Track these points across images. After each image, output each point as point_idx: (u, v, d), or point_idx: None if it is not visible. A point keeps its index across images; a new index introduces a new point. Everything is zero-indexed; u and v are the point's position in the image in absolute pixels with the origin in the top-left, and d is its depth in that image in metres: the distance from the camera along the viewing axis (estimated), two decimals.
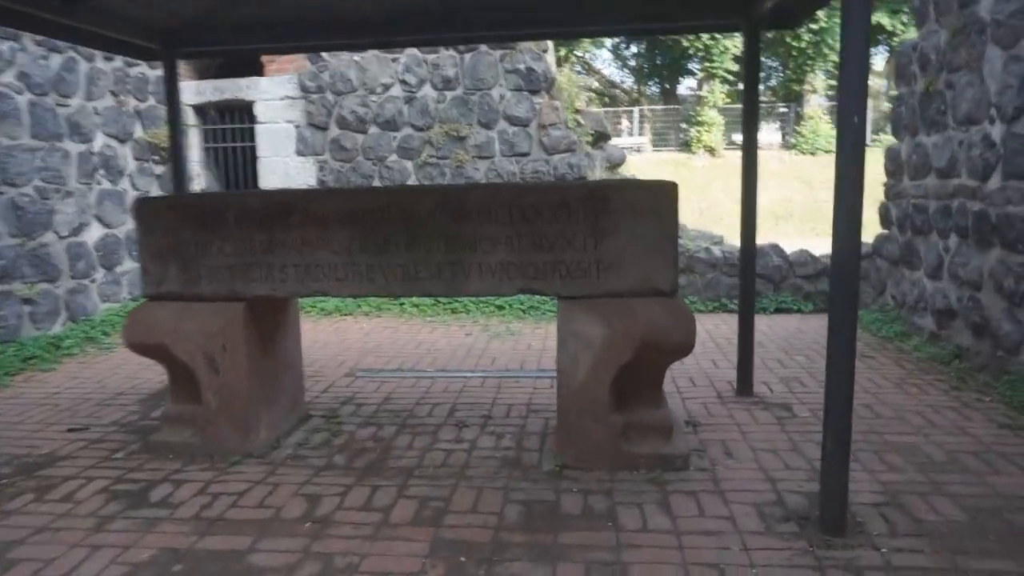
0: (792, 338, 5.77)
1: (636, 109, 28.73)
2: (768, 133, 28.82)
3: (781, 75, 31.28)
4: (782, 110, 28.13)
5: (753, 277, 4.34)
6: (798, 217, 19.32)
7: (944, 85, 4.98)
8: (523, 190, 3.16)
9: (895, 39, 25.92)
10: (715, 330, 6.16)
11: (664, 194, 3.11)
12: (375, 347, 5.87)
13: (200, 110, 7.72)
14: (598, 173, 7.52)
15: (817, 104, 26.83)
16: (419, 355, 5.57)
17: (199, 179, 7.74)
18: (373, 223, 3.28)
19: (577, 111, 7.48)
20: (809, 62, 26.90)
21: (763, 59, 31.63)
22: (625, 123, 28.81)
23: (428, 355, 5.57)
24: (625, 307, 3.13)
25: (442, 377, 4.93)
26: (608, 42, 30.39)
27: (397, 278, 3.30)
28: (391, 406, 4.34)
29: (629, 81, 33.68)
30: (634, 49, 31.28)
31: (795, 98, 27.47)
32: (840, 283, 2.51)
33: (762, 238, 5.11)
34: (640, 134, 27.43)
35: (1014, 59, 4.15)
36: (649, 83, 32.64)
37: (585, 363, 3.17)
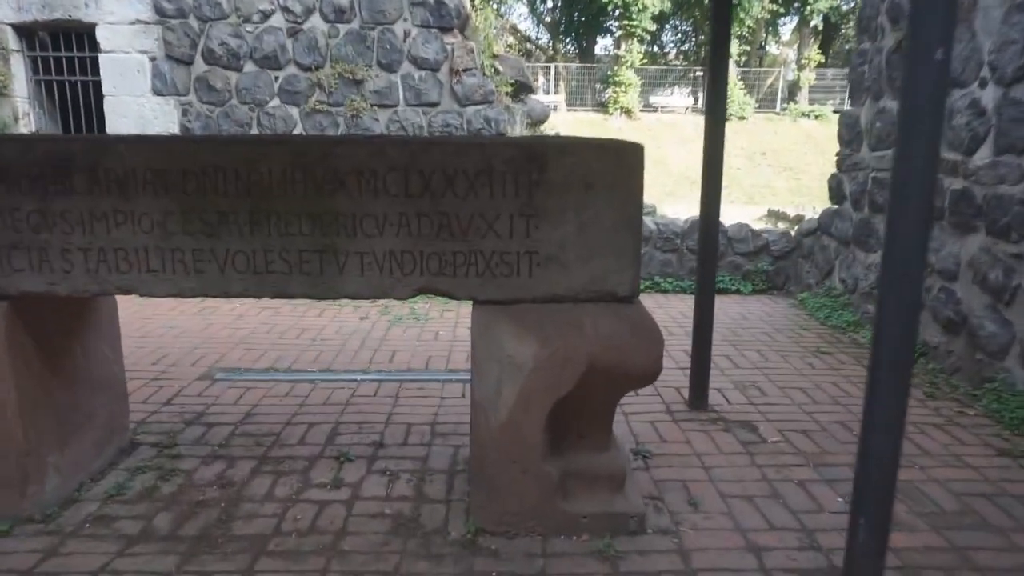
0: (737, 327, 5.08)
1: (552, 66, 27.80)
2: (681, 97, 28.65)
3: (694, 39, 31.08)
4: (698, 73, 27.92)
5: (714, 261, 3.55)
6: None
7: None
8: (425, 147, 2.18)
9: (809, 6, 26.04)
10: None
11: (625, 160, 2.20)
12: (246, 336, 4.77)
13: (24, 31, 6.16)
14: (518, 130, 6.57)
15: (733, 70, 26.71)
16: (300, 348, 4.52)
17: (27, 119, 6.23)
18: (200, 190, 2.21)
19: (495, 56, 6.46)
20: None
21: (675, 23, 31.40)
22: (541, 80, 27.88)
23: (312, 348, 4.52)
24: (568, 318, 2.24)
25: (326, 381, 3.92)
26: None
27: (238, 271, 2.27)
28: (253, 426, 3.31)
29: (545, 38, 32.67)
30: (550, 4, 30.20)
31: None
32: (897, 342, 1.69)
33: (676, 203, 4.29)
34: (556, 92, 26.61)
35: (1020, 8, 3.46)
36: (565, 40, 31.74)
37: (510, 395, 2.26)
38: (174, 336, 4.74)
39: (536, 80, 27.16)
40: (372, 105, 6.09)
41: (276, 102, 6.13)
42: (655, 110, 25.55)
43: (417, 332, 4.91)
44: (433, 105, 6.15)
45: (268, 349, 4.50)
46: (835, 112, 23.42)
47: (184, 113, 6.14)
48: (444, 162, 2.17)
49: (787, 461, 2.95)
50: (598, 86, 26.17)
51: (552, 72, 27.36)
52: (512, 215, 2.20)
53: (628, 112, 23.60)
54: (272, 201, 2.21)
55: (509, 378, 2.25)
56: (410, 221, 2.21)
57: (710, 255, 3.51)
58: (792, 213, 13.70)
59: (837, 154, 5.43)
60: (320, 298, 2.29)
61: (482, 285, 2.26)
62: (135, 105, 6.12)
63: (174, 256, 2.26)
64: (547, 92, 26.52)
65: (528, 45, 31.82)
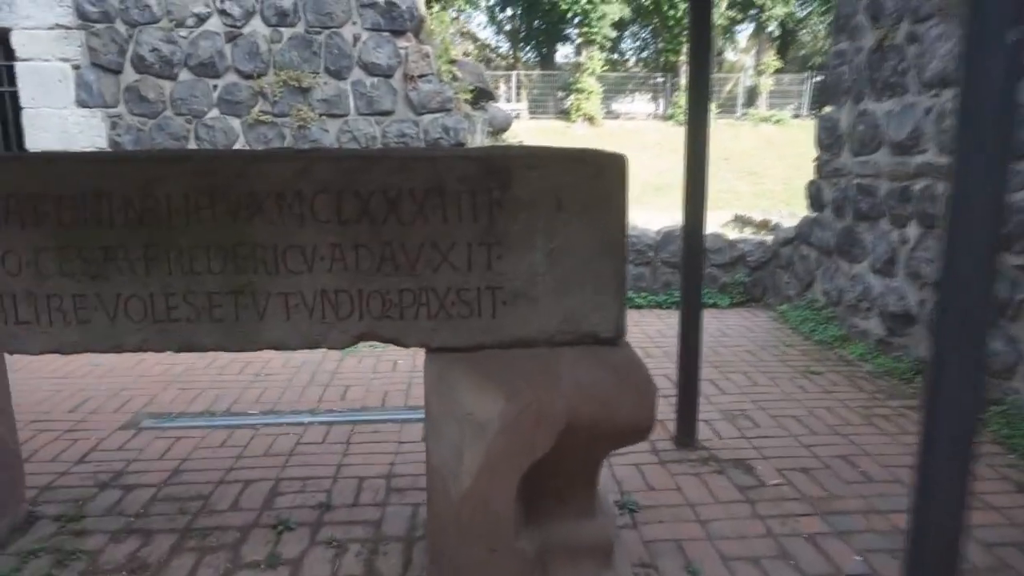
0: (719, 345, 4.75)
1: (513, 74, 27.60)
2: (642, 104, 28.67)
3: (654, 46, 31.14)
4: (659, 80, 27.94)
5: (699, 276, 3.19)
6: (678, 190, 19.06)
7: (905, 39, 4.03)
8: (362, 163, 1.78)
9: (766, 13, 26.26)
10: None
11: (604, 173, 1.83)
12: (182, 373, 4.28)
13: None
14: (479, 139, 6.20)
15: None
16: (242, 385, 4.05)
17: None
18: (79, 221, 1.78)
19: (452, 61, 6.08)
20: (685, 32, 26.71)
21: (635, 29, 31.45)
22: (503, 88, 27.66)
23: (255, 384, 4.06)
24: (540, 366, 1.85)
25: (269, 425, 3.47)
26: (483, 2, 28.93)
27: (133, 319, 1.83)
28: (179, 487, 2.85)
29: (505, 46, 32.46)
30: (510, 12, 30.01)
31: (670, 68, 27.32)
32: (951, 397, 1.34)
33: (643, 211, 3.96)
34: (517, 100, 26.40)
35: None
36: (525, 48, 31.57)
37: (473, 460, 1.86)
38: (99, 375, 4.24)
39: (497, 88, 26.90)
40: (320, 115, 5.66)
41: (215, 113, 5.66)
42: (617, 117, 25.48)
43: (373, 363, 4.47)
44: (387, 114, 5.74)
45: (206, 388, 4.02)
46: (794, 117, 23.62)
47: (113, 126, 5.62)
48: (385, 181, 1.77)
49: (792, 509, 2.60)
50: (560, 94, 26.01)
51: (513, 80, 27.16)
52: (470, 243, 1.81)
53: (591, 119, 23.47)
54: (173, 232, 1.79)
55: (471, 440, 1.85)
56: (345, 253, 1.81)
57: (695, 271, 3.16)
58: (758, 218, 13.55)
59: (816, 159, 5.17)
60: (237, 349, 1.87)
61: (435, 329, 1.86)
62: (57, 118, 5.58)
63: (50, 303, 1.81)
64: (509, 100, 26.32)
65: (488, 53, 31.59)
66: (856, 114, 4.56)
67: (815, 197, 5.23)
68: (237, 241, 1.79)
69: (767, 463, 3.00)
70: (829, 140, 4.96)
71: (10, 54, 5.54)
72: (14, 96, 5.62)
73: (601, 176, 1.80)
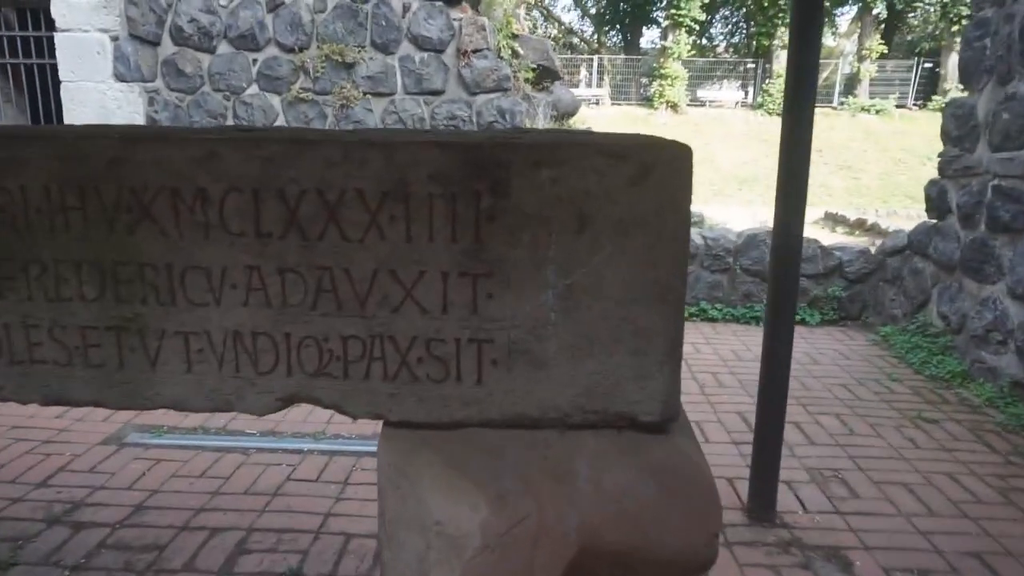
0: (806, 375, 3.99)
1: (595, 58, 26.68)
2: (730, 91, 27.19)
3: (746, 30, 29.47)
4: (749, 66, 26.39)
5: (794, 295, 2.48)
6: (764, 183, 17.89)
7: None
8: (291, 148, 1.20)
9: None
10: (694, 355, 4.33)
11: (655, 176, 1.18)
12: None
13: None
14: (541, 124, 5.56)
15: (783, 61, 25.18)
16: None
17: None
18: None
19: (514, 36, 5.45)
20: (780, 15, 25.12)
21: (726, 12, 29.81)
22: (584, 73, 26.83)
23: None
24: (545, 459, 1.24)
25: (263, 450, 3.00)
26: None
27: None
28: (136, 530, 2.39)
29: (589, 30, 31.53)
30: None
31: (763, 54, 25.75)
32: None
33: (725, 204, 3.22)
34: (599, 86, 25.52)
35: None
36: (610, 32, 30.53)
37: None
38: None
39: (578, 74, 26.07)
40: (365, 93, 5.16)
41: (254, 89, 5.25)
42: (703, 104, 24.21)
43: None
44: (436, 93, 5.19)
45: None
46: (898, 107, 21.76)
47: (151, 102, 5.30)
48: (322, 177, 1.19)
49: None
50: (643, 80, 24.95)
51: (595, 65, 26.26)
52: (446, 274, 1.21)
53: (674, 106, 22.38)
54: (33, 241, 1.27)
55: (439, 559, 1.26)
56: (266, 280, 1.24)
57: (787, 287, 2.44)
58: (852, 216, 12.36)
59: (940, 155, 4.28)
60: (122, 407, 1.33)
61: (394, 395, 1.27)
62: (96, 92, 5.30)
63: None
64: (590, 85, 25.48)
65: (571, 37, 30.78)
66: (1001, 99, 3.68)
67: (937, 200, 4.34)
68: (117, 257, 1.25)
69: (870, 556, 2.27)
70: (960, 131, 4.06)
71: (50, 24, 5.28)
72: (54, 69, 5.37)
73: (648, 179, 1.16)
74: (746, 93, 26.04)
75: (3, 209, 1.25)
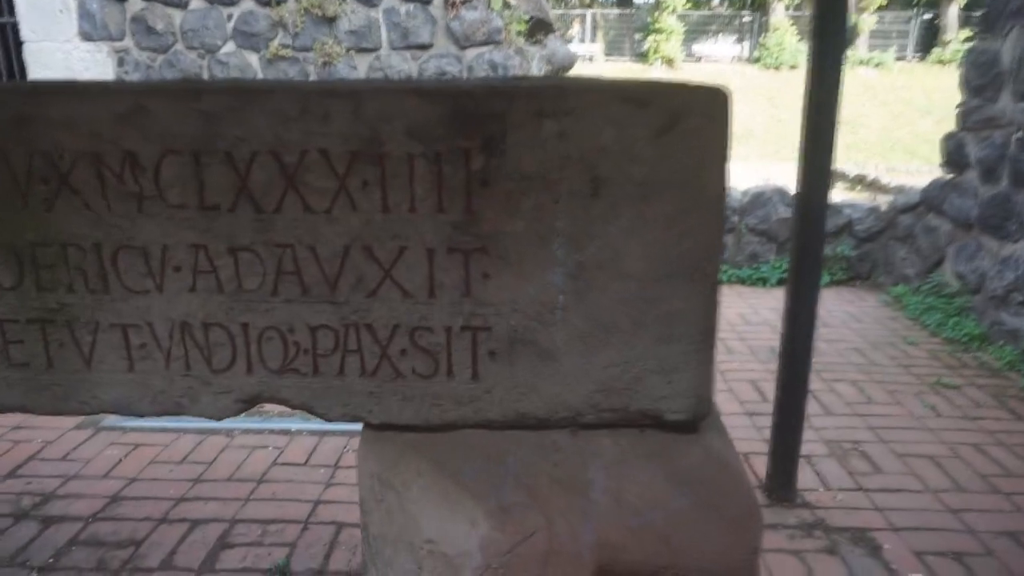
0: (817, 338, 3.79)
1: (588, 13, 25.98)
2: (726, 46, 26.58)
3: None
4: (746, 19, 25.75)
5: (818, 262, 2.29)
6: (760, 138, 17.58)
7: None
8: (236, 99, 0.98)
9: None
10: None
11: (684, 126, 0.96)
12: None
13: None
14: None
15: (784, 14, 24.57)
16: None
17: None
18: None
19: None
20: None
21: None
22: (576, 28, 26.16)
23: None
24: (554, 466, 1.05)
25: (248, 432, 2.82)
26: None
27: None
28: (110, 524, 2.22)
29: None
30: None
31: (759, 7, 25.12)
32: None
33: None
34: (592, 41, 24.90)
35: None
36: None
37: None
38: None
39: (571, 28, 25.41)
40: (348, 49, 4.85)
41: (230, 47, 4.94)
42: (699, 60, 23.66)
43: None
44: (424, 48, 4.89)
45: None
46: (898, 59, 21.29)
47: (120, 63, 4.98)
48: (277, 135, 0.97)
49: None
50: (637, 35, 24.33)
51: (588, 20, 25.58)
52: (432, 250, 1.00)
53: (669, 62, 21.87)
54: None
55: None
56: (216, 261, 1.03)
57: (812, 252, 2.24)
58: (852, 172, 12.13)
59: (959, 105, 4.04)
60: (55, 412, 1.14)
61: (374, 394, 1.07)
62: (60, 54, 4.98)
63: None
64: (583, 41, 24.85)
65: None
66: None
67: (954, 154, 4.12)
68: (35, 238, 1.04)
69: (898, 538, 2.12)
70: (981, 80, 3.81)
71: None
72: (15, 28, 5.03)
73: (677, 131, 0.95)
74: (742, 47, 25.46)
75: None
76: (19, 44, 5.05)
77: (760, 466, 2.48)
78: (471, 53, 4.88)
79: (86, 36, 4.96)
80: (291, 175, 0.98)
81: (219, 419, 1.11)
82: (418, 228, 0.99)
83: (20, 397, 1.12)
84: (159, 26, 4.95)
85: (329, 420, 1.11)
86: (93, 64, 4.99)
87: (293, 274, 1.02)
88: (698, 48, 25.13)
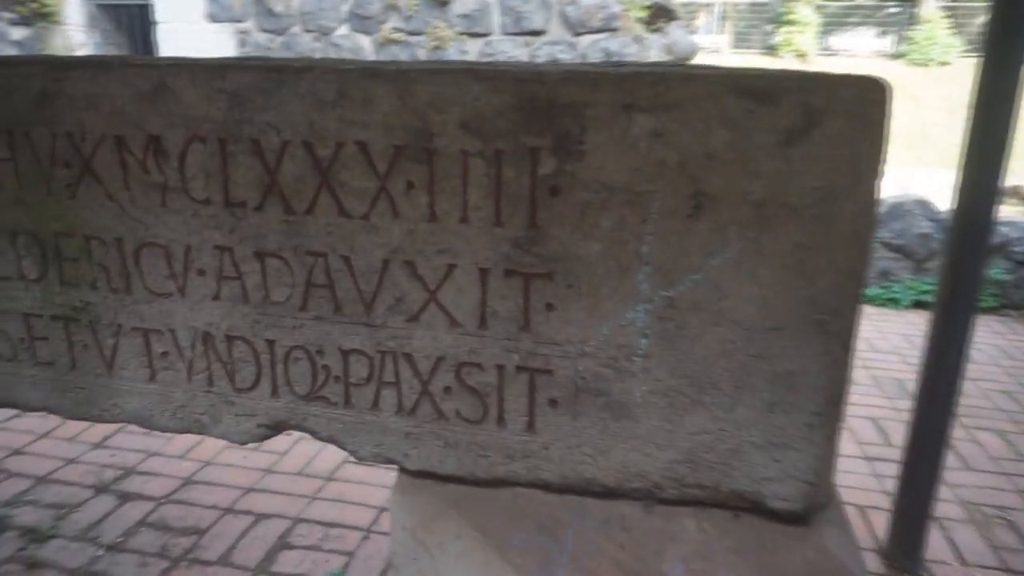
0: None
1: (716, 3, 24.96)
2: (868, 39, 24.74)
3: None
4: (891, 11, 23.87)
5: (973, 287, 1.91)
6: (901, 142, 16.25)
7: None
8: (266, 79, 0.83)
9: None
10: None
11: (835, 127, 0.72)
12: None
13: None
14: None
15: (935, 6, 22.60)
16: None
17: (84, 51, 5.50)
18: None
19: None
20: None
21: None
22: (703, 19, 25.24)
23: None
24: (621, 549, 0.84)
25: None
26: None
27: None
28: (178, 508, 2.20)
29: None
30: None
31: None
32: None
33: None
34: (720, 32, 23.93)
35: None
36: None
37: None
38: None
39: (696, 19, 24.51)
40: (460, 33, 4.76)
41: (344, 29, 4.97)
42: (835, 54, 22.17)
43: None
44: (537, 34, 4.72)
45: None
46: None
47: (242, 43, 5.14)
48: (311, 122, 0.81)
49: None
50: (769, 27, 23.15)
51: (716, 11, 24.58)
52: (486, 269, 0.82)
53: (802, 55, 20.62)
54: None
55: None
56: (241, 266, 0.89)
57: (969, 276, 1.86)
58: (1008, 183, 10.92)
59: None
60: (78, 417, 1.05)
61: (412, 435, 0.90)
62: (189, 34, 5.19)
63: None
64: (709, 32, 23.93)
65: None
66: None
67: None
68: (59, 227, 0.94)
69: None
70: None
71: None
72: (150, 10, 5.29)
73: (813, 136, 0.71)
74: (886, 42, 23.63)
75: None
76: (152, 25, 5.31)
77: (879, 523, 2.13)
78: (586, 40, 4.66)
79: (213, 18, 5.14)
80: (325, 171, 0.82)
81: (241, 444, 0.97)
82: (470, 243, 0.81)
83: (44, 397, 1.03)
84: (278, 8, 5.04)
85: (359, 459, 0.95)
86: (218, 44, 5.17)
87: (325, 287, 0.87)
88: (835, 41, 23.57)
